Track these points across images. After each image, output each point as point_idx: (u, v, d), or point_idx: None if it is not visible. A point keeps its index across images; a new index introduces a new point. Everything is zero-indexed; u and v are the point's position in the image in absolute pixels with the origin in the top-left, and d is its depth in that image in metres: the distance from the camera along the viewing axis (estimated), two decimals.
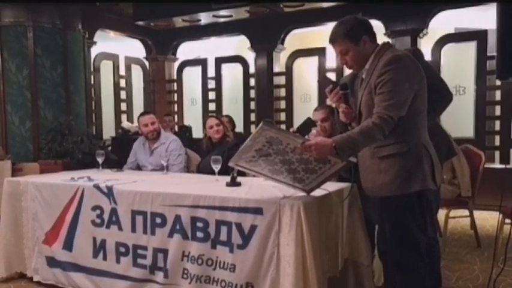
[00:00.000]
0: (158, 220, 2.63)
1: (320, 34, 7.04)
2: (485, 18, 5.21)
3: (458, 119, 5.55)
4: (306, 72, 7.17)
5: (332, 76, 6.90)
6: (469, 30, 6.26)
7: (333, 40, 2.18)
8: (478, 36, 5.76)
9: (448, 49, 5.95)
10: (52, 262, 3.07)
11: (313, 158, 2.13)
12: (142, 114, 4.11)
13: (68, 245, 2.99)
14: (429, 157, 2.09)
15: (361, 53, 2.14)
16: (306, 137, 3.18)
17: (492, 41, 4.69)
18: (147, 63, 8.30)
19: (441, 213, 3.49)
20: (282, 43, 7.23)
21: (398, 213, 2.11)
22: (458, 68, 5.92)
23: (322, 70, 6.89)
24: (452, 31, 6.73)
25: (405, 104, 2.01)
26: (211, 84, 7.86)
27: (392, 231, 2.14)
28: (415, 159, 2.05)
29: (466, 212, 3.91)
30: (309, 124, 3.13)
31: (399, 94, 1.99)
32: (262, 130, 2.07)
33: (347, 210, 2.57)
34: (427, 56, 3.31)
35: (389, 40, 5.96)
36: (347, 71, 7.31)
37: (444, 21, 6.33)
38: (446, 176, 3.66)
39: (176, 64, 8.29)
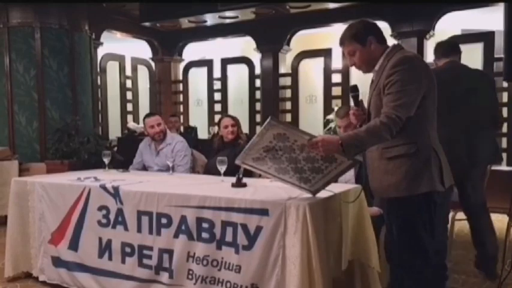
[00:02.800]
0: (164, 221, 2.63)
1: (326, 35, 7.04)
2: (493, 19, 5.18)
3: None
4: (312, 73, 7.16)
5: (337, 77, 6.90)
6: (476, 32, 6.22)
7: (341, 42, 2.25)
8: (485, 37, 5.73)
9: None
10: (58, 262, 3.08)
11: (320, 157, 2.13)
12: (148, 116, 4.11)
13: (74, 245, 3.00)
14: (438, 159, 2.08)
15: (368, 54, 2.16)
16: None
17: (499, 43, 4.66)
18: (153, 64, 8.34)
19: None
20: (288, 44, 7.22)
21: (406, 214, 2.10)
22: None
23: (328, 71, 6.88)
24: (459, 32, 6.70)
25: (413, 105, 2.01)
26: (217, 85, 7.88)
27: (399, 232, 2.14)
28: (423, 161, 2.04)
29: None
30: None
31: (407, 95, 1.99)
32: (269, 126, 2.07)
33: (353, 212, 2.56)
34: (433, 57, 3.29)
35: (396, 41, 5.94)
36: (353, 73, 7.27)
37: (451, 23, 6.30)
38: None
39: (182, 65, 8.32)
